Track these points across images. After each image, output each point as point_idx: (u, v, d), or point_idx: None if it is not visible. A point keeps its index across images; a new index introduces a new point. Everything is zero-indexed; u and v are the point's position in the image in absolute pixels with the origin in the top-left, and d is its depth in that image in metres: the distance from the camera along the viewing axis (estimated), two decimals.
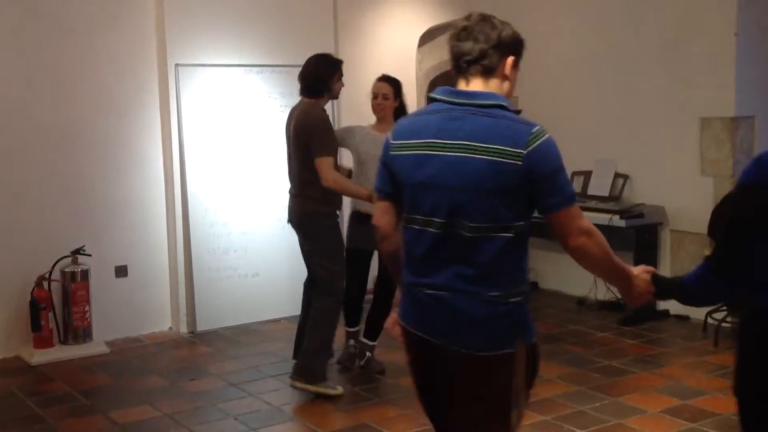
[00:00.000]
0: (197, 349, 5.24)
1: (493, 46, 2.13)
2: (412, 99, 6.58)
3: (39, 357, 4.94)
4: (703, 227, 5.39)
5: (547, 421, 3.91)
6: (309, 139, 4.25)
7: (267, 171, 5.63)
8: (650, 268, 2.35)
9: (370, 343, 4.72)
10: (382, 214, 2.25)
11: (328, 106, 4.71)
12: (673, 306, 5.64)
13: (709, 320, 5.26)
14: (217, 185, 5.60)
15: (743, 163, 5.39)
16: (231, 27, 5.65)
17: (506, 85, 2.15)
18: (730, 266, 2.11)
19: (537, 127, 2.07)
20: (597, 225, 5.46)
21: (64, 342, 5.13)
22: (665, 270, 5.57)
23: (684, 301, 2.42)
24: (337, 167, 4.44)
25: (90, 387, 4.55)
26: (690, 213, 5.52)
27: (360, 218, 4.59)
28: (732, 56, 5.24)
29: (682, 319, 5.61)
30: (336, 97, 4.57)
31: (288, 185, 4.47)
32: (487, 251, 2.05)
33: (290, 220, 4.47)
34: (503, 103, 2.10)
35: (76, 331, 5.13)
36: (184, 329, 5.53)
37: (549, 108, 6.45)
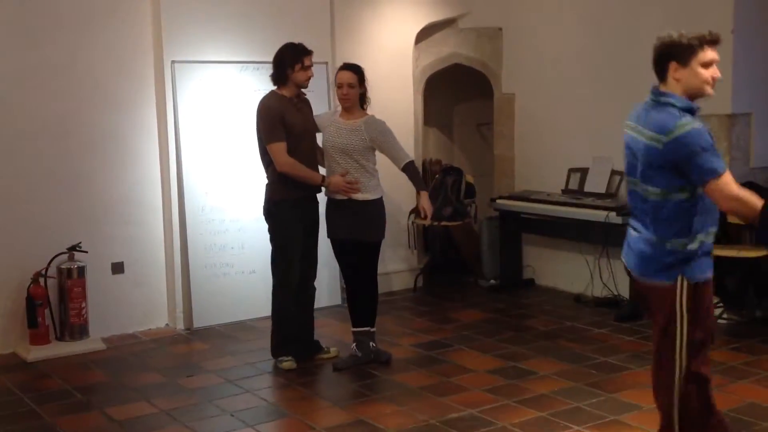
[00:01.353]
0: (194, 346, 5.23)
1: (655, 61, 2.84)
2: (409, 95, 6.60)
3: (35, 353, 4.93)
4: None
5: (543, 417, 3.92)
6: (257, 127, 4.55)
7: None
8: None
9: (371, 329, 4.71)
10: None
11: (322, 101, 4.75)
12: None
13: None
14: (213, 182, 5.59)
15: (740, 160, 5.41)
16: (227, 24, 5.64)
17: (678, 85, 2.79)
18: None
19: (682, 119, 2.71)
20: (593, 222, 5.60)
21: (60, 338, 5.12)
22: None
23: None
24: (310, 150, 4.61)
25: (86, 383, 4.55)
26: None
27: (333, 205, 4.61)
28: (728, 53, 5.22)
29: None
30: (302, 86, 4.60)
31: None
32: (650, 206, 2.82)
33: None
34: (671, 101, 2.78)
35: (72, 327, 5.13)
36: (180, 326, 5.53)
37: (546, 105, 6.46)
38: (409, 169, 4.63)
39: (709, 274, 2.85)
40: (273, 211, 4.61)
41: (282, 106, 4.52)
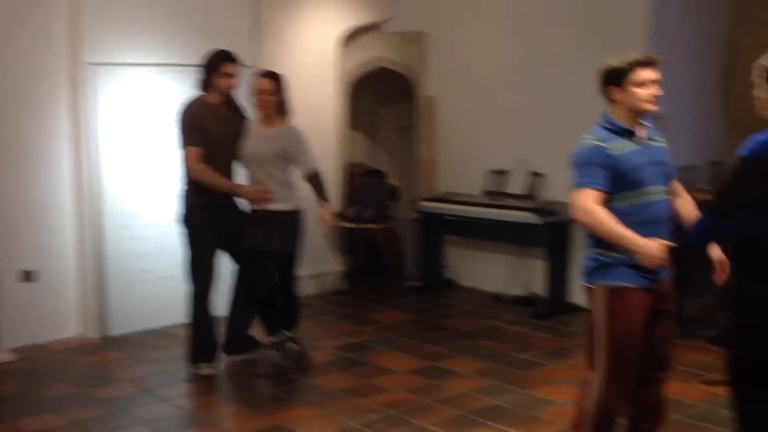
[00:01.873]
0: (108, 355, 5.09)
1: (600, 87, 3.03)
2: (333, 98, 6.59)
3: None
4: None
5: (462, 415, 3.97)
6: (177, 132, 4.52)
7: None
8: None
9: (291, 335, 4.64)
10: None
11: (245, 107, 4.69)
12: (583, 300, 5.78)
13: None
14: (132, 187, 5.46)
15: None
16: (147, 25, 5.50)
17: (621, 106, 2.98)
18: (731, 215, 2.67)
19: (584, 137, 2.98)
20: (513, 222, 5.76)
21: None
22: (575, 266, 5.70)
23: (687, 249, 2.89)
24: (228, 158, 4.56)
25: None
26: None
27: (251, 215, 4.54)
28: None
29: None
30: (225, 92, 4.56)
31: None
32: None
33: None
34: (600, 120, 3.01)
35: None
36: (94, 334, 5.37)
37: (468, 108, 6.55)
38: (314, 178, 4.49)
39: (632, 284, 2.90)
40: (186, 216, 4.57)
41: (202, 112, 4.47)
